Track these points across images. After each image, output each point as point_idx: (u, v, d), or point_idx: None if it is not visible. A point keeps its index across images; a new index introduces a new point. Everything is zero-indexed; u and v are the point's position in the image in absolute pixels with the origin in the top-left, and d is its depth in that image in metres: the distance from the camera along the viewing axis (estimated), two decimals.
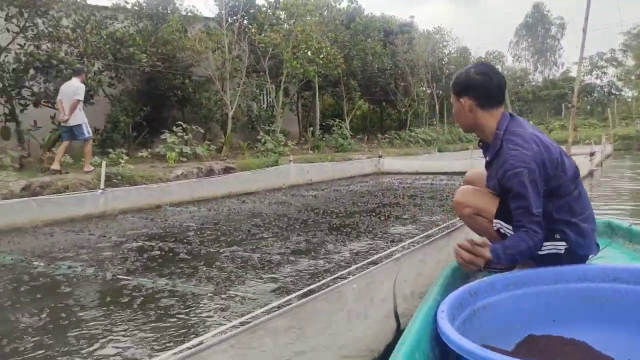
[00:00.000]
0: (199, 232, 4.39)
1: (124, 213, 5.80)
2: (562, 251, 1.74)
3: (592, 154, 8.68)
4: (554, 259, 1.74)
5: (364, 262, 2.07)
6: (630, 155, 16.44)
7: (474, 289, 1.53)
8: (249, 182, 7.83)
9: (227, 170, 10.24)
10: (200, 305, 2.43)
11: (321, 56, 15.48)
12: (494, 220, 1.83)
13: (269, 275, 2.90)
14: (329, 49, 15.80)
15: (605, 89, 33.32)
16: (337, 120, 17.29)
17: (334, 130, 16.62)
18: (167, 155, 9.59)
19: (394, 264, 1.81)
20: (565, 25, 42.44)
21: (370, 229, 4.27)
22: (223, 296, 2.53)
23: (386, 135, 20.39)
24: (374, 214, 5.13)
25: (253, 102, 15.85)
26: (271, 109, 15.78)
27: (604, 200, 6.11)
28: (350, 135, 17.96)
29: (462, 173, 2.47)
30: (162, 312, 2.35)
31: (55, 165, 7.18)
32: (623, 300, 1.56)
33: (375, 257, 1.93)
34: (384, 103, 23.42)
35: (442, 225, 2.64)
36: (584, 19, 6.71)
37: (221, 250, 3.60)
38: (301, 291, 1.74)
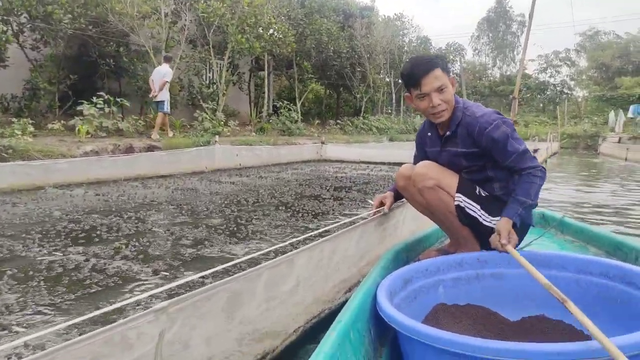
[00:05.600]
0: (55, 224, 3.55)
1: None
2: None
3: (535, 151, 8.34)
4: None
5: (110, 308, 1.29)
6: (577, 155, 16.56)
7: (411, 272, 1.58)
8: (162, 164, 6.94)
9: (150, 149, 9.27)
10: None
11: (270, 32, 14.52)
12: (456, 195, 1.84)
13: (78, 295, 2.14)
14: (280, 25, 14.86)
15: (558, 88, 33.97)
16: (286, 102, 16.43)
17: (281, 113, 15.77)
18: (78, 129, 8.50)
19: (155, 318, 1.09)
20: (526, 23, 42.97)
21: (262, 229, 3.57)
22: None
23: (338, 121, 19.74)
24: (284, 209, 4.43)
25: (195, 77, 14.73)
26: (215, 86, 14.73)
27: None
28: (301, 119, 17.17)
29: (403, 163, 2.10)
30: None
31: (169, 133, 10.06)
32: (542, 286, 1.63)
33: (129, 301, 1.19)
34: (341, 88, 22.72)
35: (278, 248, 1.96)
36: (530, 5, 6.21)
37: (55, 252, 2.80)
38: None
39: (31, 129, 8.20)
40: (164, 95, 9.52)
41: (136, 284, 2.30)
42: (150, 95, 9.66)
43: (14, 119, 8.54)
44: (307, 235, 1.97)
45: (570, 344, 1.12)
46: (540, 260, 1.69)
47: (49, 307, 1.99)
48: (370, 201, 2.25)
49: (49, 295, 2.12)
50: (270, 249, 1.80)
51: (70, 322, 1.05)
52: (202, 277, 2.38)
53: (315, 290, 1.76)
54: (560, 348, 1.05)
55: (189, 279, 1.42)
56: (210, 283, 1.39)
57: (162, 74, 9.49)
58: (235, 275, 1.35)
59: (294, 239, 1.88)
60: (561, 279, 1.64)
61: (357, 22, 20.46)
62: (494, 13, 44.15)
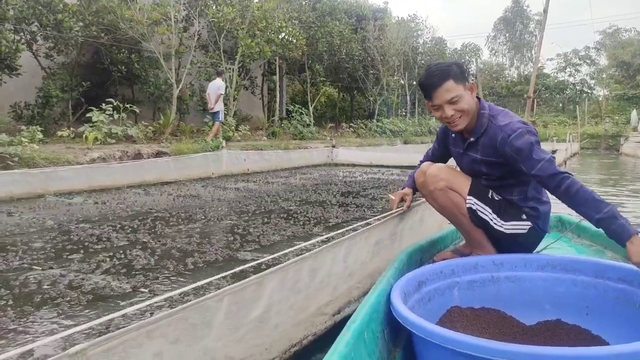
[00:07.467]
0: (44, 235, 3.43)
1: None
2: (526, 231, 1.80)
3: (553, 152, 7.99)
4: (514, 238, 1.81)
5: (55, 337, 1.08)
6: (597, 156, 15.98)
7: (425, 274, 1.56)
8: (167, 170, 6.82)
9: (158, 155, 9.19)
10: None
11: (281, 36, 14.39)
12: (468, 197, 1.83)
13: (43, 314, 1.97)
14: (290, 29, 14.71)
15: (578, 87, 33.10)
16: (298, 106, 16.27)
17: (293, 117, 15.62)
18: (85, 135, 8.46)
19: None
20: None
21: (258, 239, 3.38)
22: None
23: (351, 125, 19.50)
24: (285, 216, 4.23)
25: (207, 82, 14.67)
26: (226, 91, 14.64)
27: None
28: (314, 123, 16.98)
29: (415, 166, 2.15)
30: None
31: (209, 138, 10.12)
32: (558, 288, 1.61)
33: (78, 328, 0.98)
34: (354, 91, 22.47)
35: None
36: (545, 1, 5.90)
37: (35, 266, 2.65)
38: None
39: (40, 136, 8.19)
40: (220, 107, 10.50)
41: (110, 302, 2.13)
42: (208, 108, 10.73)
43: (23, 127, 8.55)
44: (282, 252, 1.77)
45: (591, 349, 1.08)
46: (557, 264, 1.65)
47: (7, 330, 1.83)
48: (391, 196, 2.24)
49: (13, 315, 1.96)
50: (250, 264, 1.60)
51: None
52: (181, 293, 2.21)
53: (294, 315, 1.56)
54: (580, 353, 1.01)
55: (157, 299, 1.24)
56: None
57: (217, 87, 10.37)
58: (188, 304, 1.15)
59: (274, 255, 1.68)
60: (579, 283, 1.61)
61: (370, 24, 20.23)
62: (511, 12, 43.40)
